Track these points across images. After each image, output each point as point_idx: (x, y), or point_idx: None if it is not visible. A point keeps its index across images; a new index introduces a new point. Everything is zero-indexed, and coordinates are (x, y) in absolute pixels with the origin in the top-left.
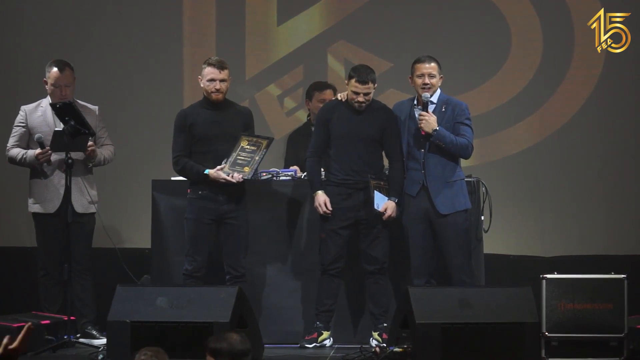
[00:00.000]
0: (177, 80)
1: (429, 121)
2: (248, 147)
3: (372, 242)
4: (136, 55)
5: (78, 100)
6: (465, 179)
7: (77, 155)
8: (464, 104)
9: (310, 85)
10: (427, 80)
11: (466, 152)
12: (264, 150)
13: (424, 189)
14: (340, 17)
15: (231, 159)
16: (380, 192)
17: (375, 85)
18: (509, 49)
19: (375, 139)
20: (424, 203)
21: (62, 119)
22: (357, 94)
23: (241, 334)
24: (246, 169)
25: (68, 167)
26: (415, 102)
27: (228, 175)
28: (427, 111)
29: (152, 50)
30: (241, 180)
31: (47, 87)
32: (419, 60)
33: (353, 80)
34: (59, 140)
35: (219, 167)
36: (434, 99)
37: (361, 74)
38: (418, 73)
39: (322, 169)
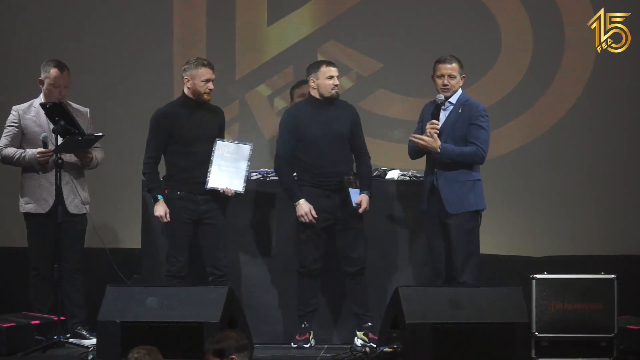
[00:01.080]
0: (168, 81)
1: (429, 144)
2: (228, 155)
3: (352, 243)
4: (126, 55)
5: (70, 102)
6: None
7: (68, 156)
8: (481, 105)
9: (291, 88)
10: (446, 81)
11: (476, 159)
12: (248, 158)
13: (436, 190)
14: (330, 17)
15: (215, 170)
16: (354, 187)
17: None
18: (499, 49)
19: (346, 136)
20: (436, 205)
21: (51, 119)
22: (331, 77)
23: (236, 330)
24: (235, 181)
25: (58, 167)
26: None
27: (219, 190)
28: (439, 113)
29: (142, 50)
30: (234, 194)
31: (44, 86)
32: (440, 60)
33: (324, 67)
34: (70, 143)
35: (166, 209)
36: (453, 99)
37: (327, 60)
38: (438, 73)
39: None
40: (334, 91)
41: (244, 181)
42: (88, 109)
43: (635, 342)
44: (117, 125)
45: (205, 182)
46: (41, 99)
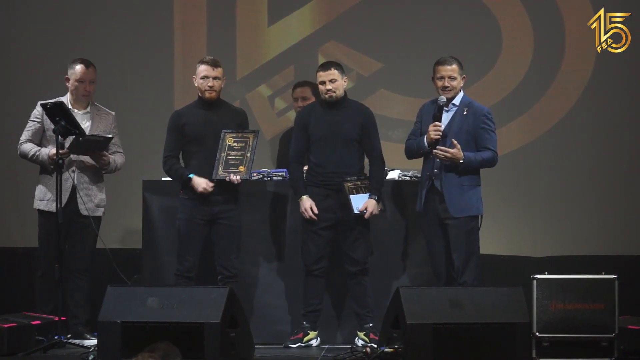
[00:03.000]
0: (168, 81)
1: (455, 156)
2: (235, 144)
3: (353, 244)
4: (127, 55)
5: (97, 104)
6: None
7: (86, 158)
8: (485, 108)
9: (292, 88)
10: (447, 83)
11: (492, 164)
12: (253, 144)
13: (436, 191)
14: (331, 17)
15: (221, 160)
16: (358, 192)
17: (344, 78)
18: (499, 49)
19: (353, 138)
20: (435, 206)
21: (52, 119)
22: (323, 83)
23: (166, 342)
24: (241, 168)
25: (59, 167)
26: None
27: (225, 178)
28: (441, 115)
29: (143, 51)
30: (239, 181)
31: (70, 83)
32: (440, 62)
33: (317, 72)
34: (77, 145)
35: (206, 180)
36: (456, 101)
37: (324, 63)
38: (438, 75)
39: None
40: (327, 95)
41: (249, 168)
42: (114, 113)
43: (636, 342)
44: (119, 125)
45: (212, 172)
46: (67, 97)
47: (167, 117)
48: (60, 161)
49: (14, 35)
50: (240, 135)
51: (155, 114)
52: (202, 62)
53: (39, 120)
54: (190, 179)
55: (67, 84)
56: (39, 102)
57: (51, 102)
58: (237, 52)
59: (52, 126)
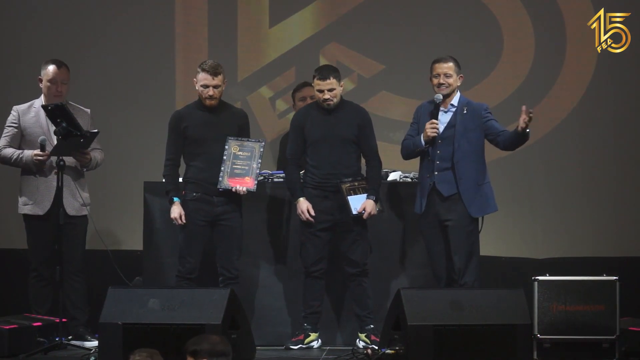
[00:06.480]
0: (170, 82)
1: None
2: (240, 153)
3: (351, 245)
4: (128, 57)
5: (71, 102)
6: None
7: (67, 158)
8: (484, 104)
9: (292, 90)
10: (442, 80)
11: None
12: (259, 156)
13: (437, 192)
14: (332, 19)
15: (227, 169)
16: (356, 193)
17: (341, 83)
18: (501, 50)
19: (350, 139)
20: (436, 208)
21: (54, 121)
22: (321, 91)
23: (221, 336)
24: (247, 179)
25: (60, 169)
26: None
27: (232, 189)
28: (437, 113)
29: (144, 52)
30: (245, 192)
31: (42, 84)
32: (436, 60)
33: (315, 79)
34: (62, 146)
35: (182, 211)
36: (455, 101)
37: (322, 71)
38: (434, 72)
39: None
40: (325, 104)
41: (256, 179)
42: (89, 110)
43: (638, 344)
44: (120, 127)
45: (218, 182)
46: (41, 99)
47: (168, 119)
48: (62, 162)
49: (15, 38)
50: (245, 143)
51: (157, 115)
52: (203, 69)
53: (15, 124)
54: (172, 202)
55: (40, 85)
56: (14, 107)
57: (52, 104)
58: (238, 53)
59: (30, 130)
